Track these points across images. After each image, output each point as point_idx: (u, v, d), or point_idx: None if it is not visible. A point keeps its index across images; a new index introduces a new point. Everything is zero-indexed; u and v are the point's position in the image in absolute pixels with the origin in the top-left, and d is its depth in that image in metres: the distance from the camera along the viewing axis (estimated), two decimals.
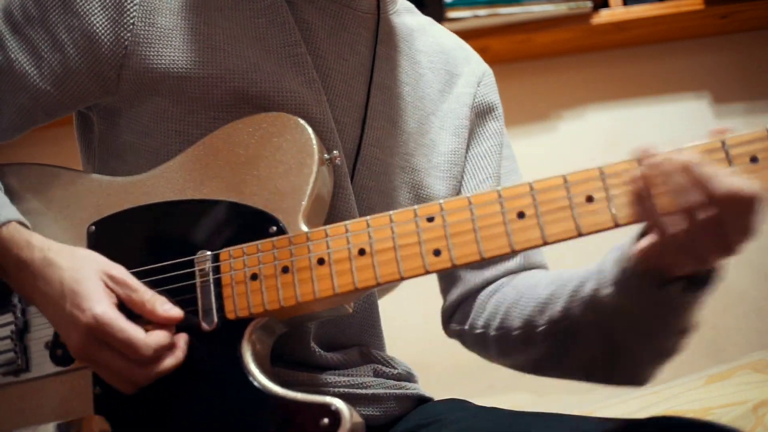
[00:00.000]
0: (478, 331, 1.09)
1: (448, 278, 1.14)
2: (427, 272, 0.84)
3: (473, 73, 1.18)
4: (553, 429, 0.90)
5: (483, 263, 1.07)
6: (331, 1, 1.05)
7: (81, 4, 0.98)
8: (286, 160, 0.93)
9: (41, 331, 0.95)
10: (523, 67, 2.23)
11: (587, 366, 0.99)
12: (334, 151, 0.96)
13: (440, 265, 0.83)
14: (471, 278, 1.11)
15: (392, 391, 1.04)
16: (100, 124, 1.05)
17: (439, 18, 2.04)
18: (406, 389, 1.06)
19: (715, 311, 2.09)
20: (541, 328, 1.00)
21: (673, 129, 2.14)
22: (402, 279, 0.85)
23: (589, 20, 2.03)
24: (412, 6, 1.19)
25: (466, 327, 1.11)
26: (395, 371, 1.07)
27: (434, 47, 1.17)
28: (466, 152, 1.14)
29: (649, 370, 0.94)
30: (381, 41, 1.09)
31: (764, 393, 1.21)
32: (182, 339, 0.88)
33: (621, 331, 0.92)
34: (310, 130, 0.93)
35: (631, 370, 0.95)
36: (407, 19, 1.15)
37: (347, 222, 0.87)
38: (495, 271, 1.10)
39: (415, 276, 0.84)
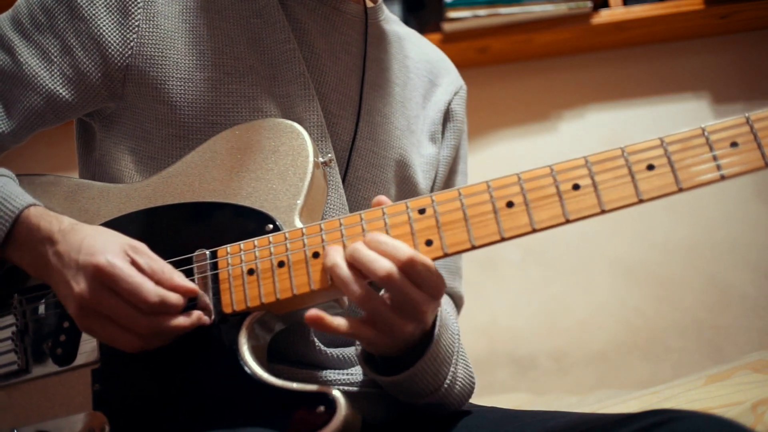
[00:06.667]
0: None
1: None
2: None
3: (452, 84, 1.25)
4: (551, 427, 0.90)
5: None
6: (320, 3, 1.09)
7: (87, 8, 1.01)
8: (282, 162, 0.95)
9: (42, 331, 0.96)
10: (523, 67, 2.23)
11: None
12: (329, 155, 0.99)
13: (432, 254, 0.84)
14: None
15: None
16: (101, 131, 1.06)
17: (439, 18, 2.05)
18: None
19: (715, 311, 2.09)
20: None
21: (673, 129, 2.14)
22: None
23: (589, 20, 2.03)
24: (397, 18, 1.25)
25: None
26: None
27: (420, 55, 1.23)
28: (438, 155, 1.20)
29: (443, 408, 0.97)
30: (371, 44, 1.13)
31: (764, 392, 1.21)
32: (195, 314, 0.88)
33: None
34: (305, 134, 0.96)
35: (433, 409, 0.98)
36: (395, 27, 1.21)
37: (341, 216, 0.88)
38: None
39: None
